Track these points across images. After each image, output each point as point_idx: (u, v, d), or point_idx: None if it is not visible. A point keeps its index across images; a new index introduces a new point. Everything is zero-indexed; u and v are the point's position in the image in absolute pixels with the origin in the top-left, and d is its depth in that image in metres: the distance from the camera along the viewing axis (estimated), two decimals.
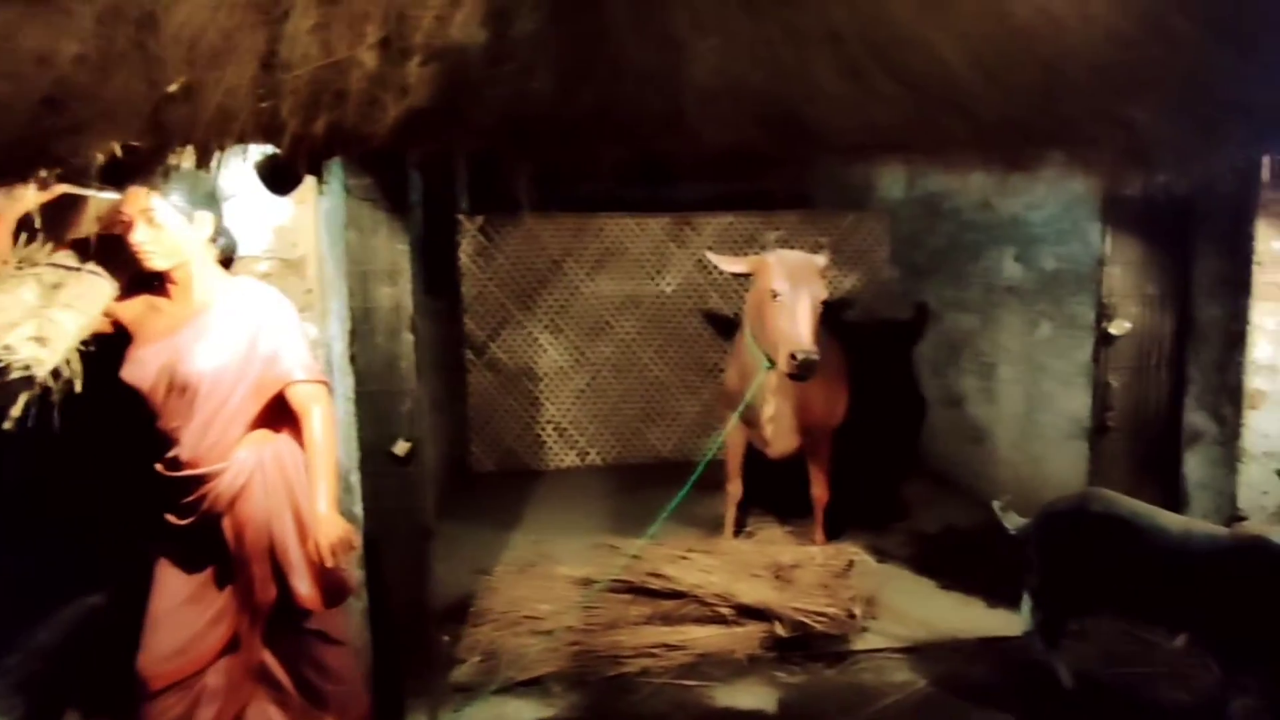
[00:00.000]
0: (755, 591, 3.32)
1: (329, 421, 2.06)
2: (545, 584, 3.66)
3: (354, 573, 2.40)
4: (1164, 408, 3.46)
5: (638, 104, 2.10)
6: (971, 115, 2.51)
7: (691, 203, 5.69)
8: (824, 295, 3.48)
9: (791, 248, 3.79)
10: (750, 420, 3.87)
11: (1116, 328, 3.49)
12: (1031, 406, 4.23)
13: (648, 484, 5.00)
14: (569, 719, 2.82)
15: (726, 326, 5.30)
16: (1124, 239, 3.51)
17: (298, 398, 2.02)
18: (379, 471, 2.69)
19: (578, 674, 3.06)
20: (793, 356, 3.27)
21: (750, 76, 2.22)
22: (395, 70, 1.86)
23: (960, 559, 3.88)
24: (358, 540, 2.17)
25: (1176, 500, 3.40)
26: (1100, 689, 2.94)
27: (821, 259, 3.64)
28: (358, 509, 2.62)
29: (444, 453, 5.13)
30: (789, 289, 3.40)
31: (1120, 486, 3.39)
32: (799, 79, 2.27)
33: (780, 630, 3.19)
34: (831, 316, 3.91)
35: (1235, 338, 3.17)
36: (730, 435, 4.00)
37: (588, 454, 5.69)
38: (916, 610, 3.50)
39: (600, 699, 2.95)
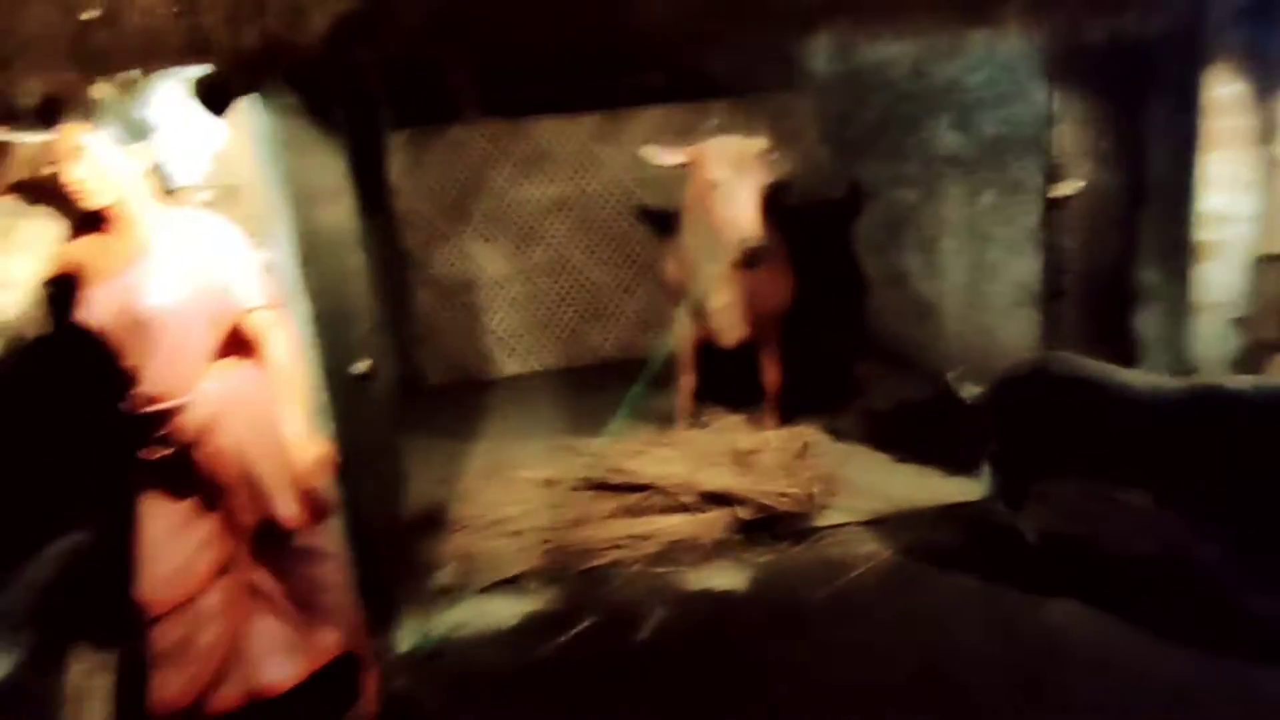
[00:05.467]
0: (716, 478, 3.18)
1: (291, 346, 2.03)
2: (510, 488, 3.50)
3: (332, 490, 2.27)
4: (1115, 267, 3.35)
5: None
6: None
7: (618, 99, 5.27)
8: (766, 180, 3.27)
9: (728, 134, 3.50)
10: (699, 312, 3.67)
11: (1068, 187, 3.32)
12: (977, 277, 4.10)
13: (595, 385, 4.80)
14: (550, 612, 2.75)
15: (660, 221, 5.01)
16: (1071, 96, 3.30)
17: (257, 325, 1.97)
18: (343, 391, 2.52)
19: (553, 570, 2.96)
20: (742, 244, 3.12)
21: None
22: None
23: (915, 432, 3.79)
24: (335, 458, 2.12)
25: (1129, 358, 3.34)
26: (1064, 544, 2.87)
27: (761, 143, 3.39)
28: (328, 429, 2.41)
29: (396, 370, 4.86)
30: (731, 177, 3.20)
31: (1073, 349, 3.31)
32: None
33: (743, 514, 3.08)
34: (772, 201, 3.67)
35: (1185, 190, 3.03)
36: (680, 328, 3.81)
37: (530, 360, 5.46)
38: (876, 484, 3.40)
39: (577, 591, 2.86)
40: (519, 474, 3.61)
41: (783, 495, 3.10)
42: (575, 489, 3.34)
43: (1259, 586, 2.56)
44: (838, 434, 3.89)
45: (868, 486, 3.38)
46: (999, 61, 3.67)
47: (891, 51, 4.38)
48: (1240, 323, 3.01)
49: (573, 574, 2.93)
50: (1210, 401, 2.47)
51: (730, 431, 3.65)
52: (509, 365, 5.44)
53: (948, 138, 4.20)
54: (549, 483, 3.46)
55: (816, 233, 5.23)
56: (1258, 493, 2.54)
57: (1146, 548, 2.85)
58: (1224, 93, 2.93)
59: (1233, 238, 2.99)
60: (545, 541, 3.08)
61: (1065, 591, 2.62)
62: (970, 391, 3.00)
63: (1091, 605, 2.55)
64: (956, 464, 3.39)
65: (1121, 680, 2.26)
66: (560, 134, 5.19)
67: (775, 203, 3.97)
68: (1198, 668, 2.28)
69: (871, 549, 2.97)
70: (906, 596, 2.71)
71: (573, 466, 3.44)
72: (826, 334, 5.01)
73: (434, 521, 3.32)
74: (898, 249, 4.82)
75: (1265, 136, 2.95)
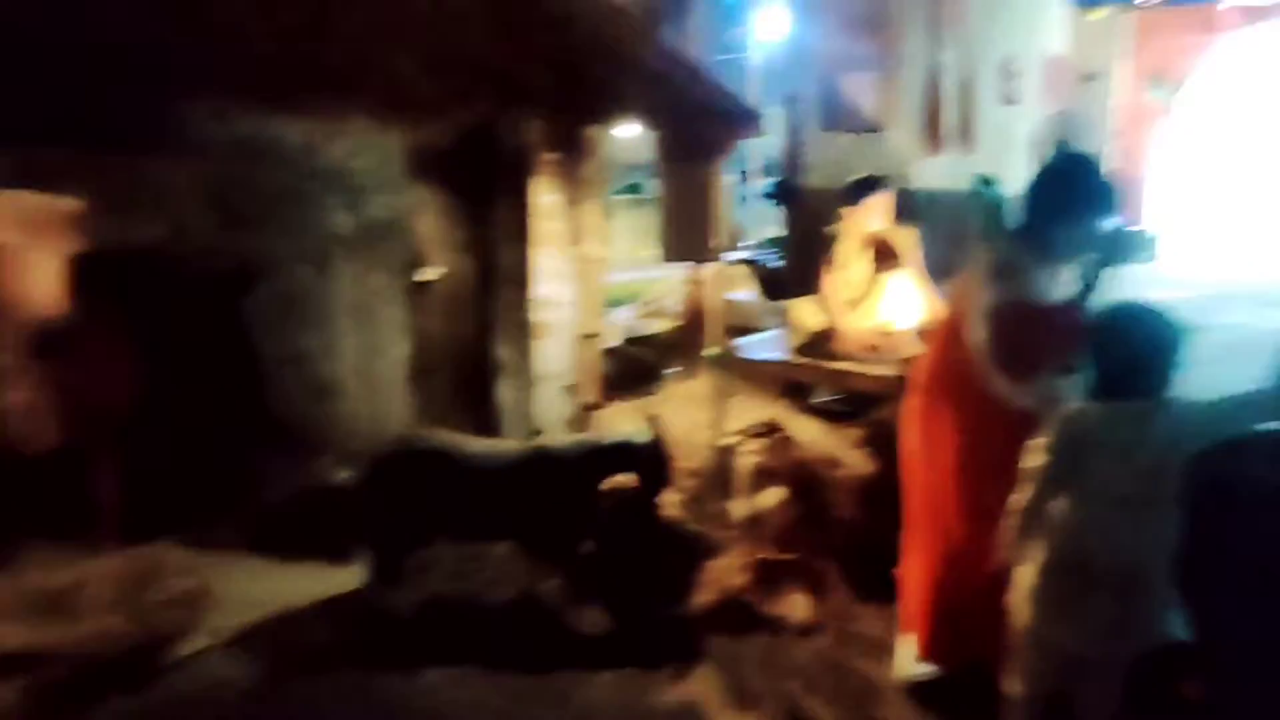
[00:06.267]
0: (13, 635, 2.48)
1: None
2: None
3: None
4: (476, 345, 3.72)
5: None
6: (241, 47, 2.20)
7: None
8: (76, 248, 2.77)
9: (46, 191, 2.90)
10: None
11: (429, 274, 3.60)
12: (370, 357, 4.15)
13: None
14: None
15: None
16: (433, 190, 3.62)
17: None
18: None
19: None
20: (29, 327, 2.54)
21: None
22: None
23: (302, 525, 3.58)
24: None
25: (492, 426, 3.71)
26: (444, 609, 3.03)
27: (66, 203, 2.87)
28: None
29: None
30: (18, 241, 2.62)
31: (446, 421, 3.58)
32: None
33: (57, 674, 2.45)
34: (113, 274, 3.15)
35: (524, 279, 3.53)
36: None
37: None
38: (252, 592, 3.08)
39: None
40: None
41: (112, 636, 2.56)
42: None
43: (585, 608, 3.04)
44: (211, 542, 3.43)
45: (242, 596, 3.02)
46: (379, 151, 3.82)
47: (283, 126, 4.26)
48: (569, 389, 3.60)
49: None
50: (539, 459, 2.91)
51: (39, 570, 2.90)
52: None
53: (340, 218, 4.21)
54: None
55: (202, 311, 4.71)
56: (580, 529, 3.10)
57: (505, 593, 3.17)
58: (546, 200, 3.52)
59: (559, 319, 3.57)
60: None
61: (440, 653, 2.73)
62: (344, 476, 2.97)
63: (462, 659, 2.71)
64: (340, 553, 3.28)
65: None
66: None
67: (120, 275, 3.42)
68: (536, 688, 2.59)
69: (239, 670, 2.65)
70: (287, 707, 2.50)
71: None
72: (213, 425, 4.50)
73: None
74: (295, 328, 4.62)
75: (576, 238, 3.62)
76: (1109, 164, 11.26)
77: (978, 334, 2.38)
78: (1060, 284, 2.45)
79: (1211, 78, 12.53)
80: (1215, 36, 11.90)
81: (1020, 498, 1.94)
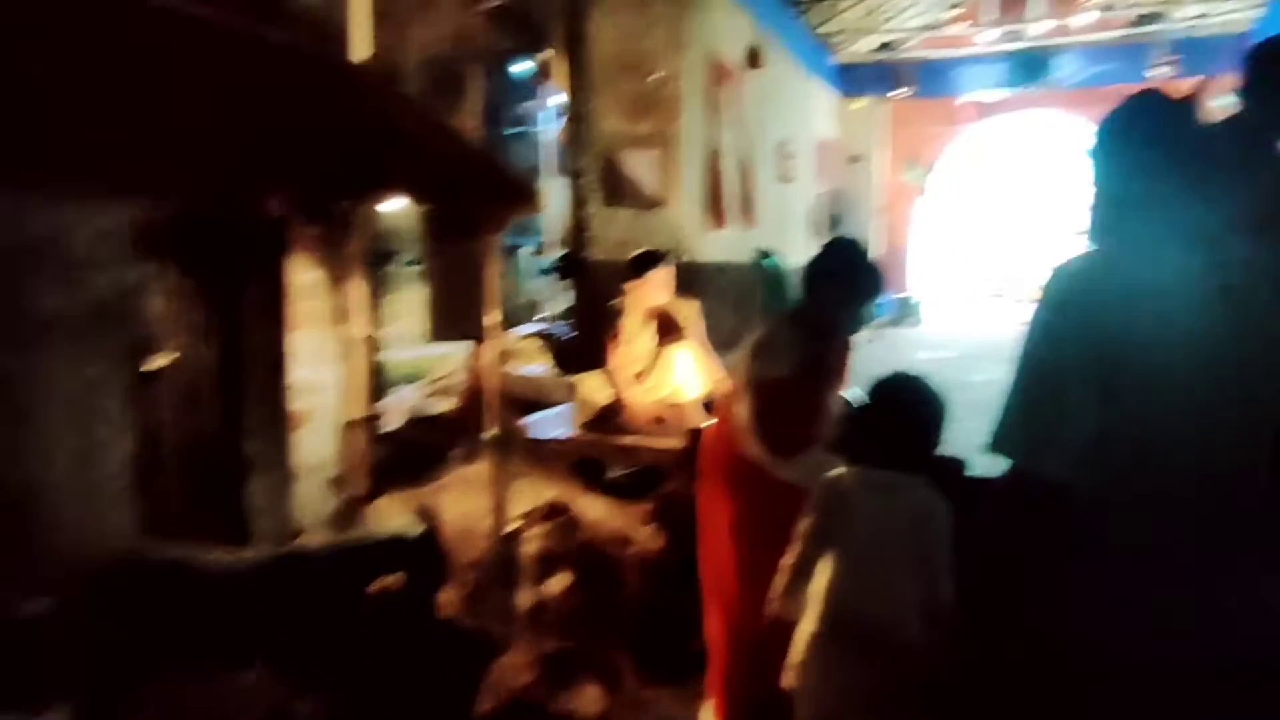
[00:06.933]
0: None
1: None
2: None
3: None
4: (220, 439, 3.39)
5: None
6: None
7: None
8: None
9: None
10: None
11: (160, 361, 3.26)
12: (85, 457, 3.65)
13: None
14: None
15: None
16: (170, 267, 3.32)
17: None
18: None
19: None
20: None
21: None
22: None
23: None
24: None
25: (242, 530, 3.37)
26: None
27: None
28: None
29: None
30: None
31: (182, 529, 3.20)
32: None
33: None
34: None
35: (277, 363, 3.29)
36: None
37: None
38: None
39: None
40: None
41: None
42: None
43: None
44: None
45: None
46: (104, 222, 3.45)
47: None
48: (334, 482, 3.37)
49: None
50: (291, 565, 2.67)
51: None
52: None
53: (48, 297, 3.73)
54: None
55: None
56: (343, 641, 2.86)
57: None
58: (304, 278, 3.34)
59: (321, 406, 3.35)
60: None
61: None
62: (40, 605, 2.54)
63: None
64: (33, 701, 2.78)
65: None
66: None
67: None
68: None
69: None
70: None
71: None
72: None
73: None
74: None
75: (341, 317, 3.45)
76: (874, 237, 12.69)
77: (740, 407, 2.51)
78: (825, 359, 2.64)
79: (955, 162, 14.64)
80: (957, 127, 13.94)
81: (788, 558, 2.02)
